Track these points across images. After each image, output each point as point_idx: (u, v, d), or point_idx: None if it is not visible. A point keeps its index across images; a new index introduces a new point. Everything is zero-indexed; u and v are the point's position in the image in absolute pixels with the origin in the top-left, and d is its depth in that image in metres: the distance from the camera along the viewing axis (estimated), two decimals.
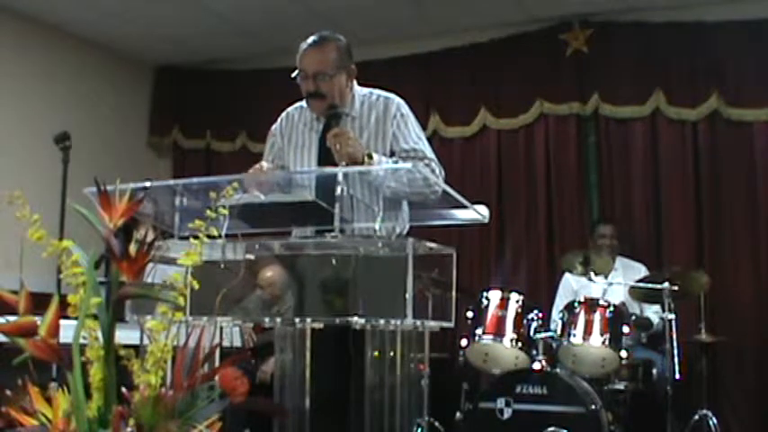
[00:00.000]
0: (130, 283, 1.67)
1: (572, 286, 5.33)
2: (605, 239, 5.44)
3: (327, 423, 2.61)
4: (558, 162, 6.10)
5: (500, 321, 4.53)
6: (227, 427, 1.76)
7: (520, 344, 4.49)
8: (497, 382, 4.44)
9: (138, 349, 1.75)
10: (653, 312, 5.09)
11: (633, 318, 4.87)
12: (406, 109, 3.04)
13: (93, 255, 1.71)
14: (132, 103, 7.21)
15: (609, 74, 5.97)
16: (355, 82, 3.08)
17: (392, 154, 2.95)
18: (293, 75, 2.99)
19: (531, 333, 4.52)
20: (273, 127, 3.20)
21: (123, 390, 1.65)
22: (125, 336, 1.82)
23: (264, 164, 2.97)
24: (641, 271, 5.29)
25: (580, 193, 6.03)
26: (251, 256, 2.41)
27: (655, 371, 4.77)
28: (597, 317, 4.49)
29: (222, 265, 2.29)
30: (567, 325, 4.52)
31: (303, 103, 3.10)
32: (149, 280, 1.82)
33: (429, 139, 3.14)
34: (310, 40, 3.02)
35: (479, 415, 4.35)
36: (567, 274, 5.34)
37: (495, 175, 6.25)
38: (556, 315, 4.80)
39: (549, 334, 4.54)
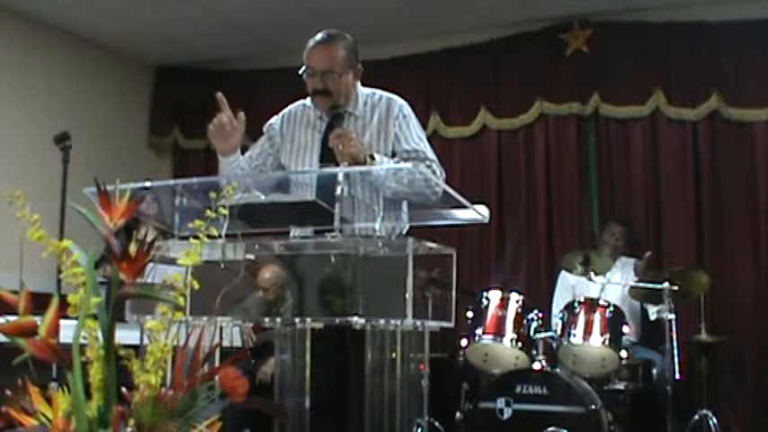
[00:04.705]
0: (130, 283, 1.67)
1: (569, 281, 5.31)
2: (612, 238, 5.42)
3: (327, 423, 2.61)
4: (558, 162, 6.10)
5: (500, 321, 4.53)
6: (227, 427, 1.75)
7: (520, 344, 4.49)
8: (497, 382, 4.44)
9: (138, 349, 1.75)
10: (653, 312, 5.09)
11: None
12: (408, 110, 3.04)
13: (93, 255, 1.70)
14: (132, 103, 7.21)
15: (609, 74, 5.97)
16: (359, 82, 3.08)
17: (393, 154, 2.95)
18: (300, 71, 2.98)
19: (531, 333, 4.53)
20: (273, 120, 3.18)
21: (123, 390, 1.65)
22: (125, 336, 1.82)
23: (224, 117, 2.97)
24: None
25: (580, 193, 6.03)
26: (251, 256, 2.41)
27: (655, 371, 4.78)
28: (597, 317, 4.49)
29: (222, 265, 2.29)
30: (567, 325, 4.53)
31: (305, 101, 3.10)
32: (149, 280, 1.82)
33: (429, 139, 3.14)
34: (319, 37, 2.99)
35: (479, 415, 4.35)
36: (563, 271, 5.33)
37: (495, 175, 6.25)
38: (555, 312, 4.80)
39: (549, 334, 4.54)
